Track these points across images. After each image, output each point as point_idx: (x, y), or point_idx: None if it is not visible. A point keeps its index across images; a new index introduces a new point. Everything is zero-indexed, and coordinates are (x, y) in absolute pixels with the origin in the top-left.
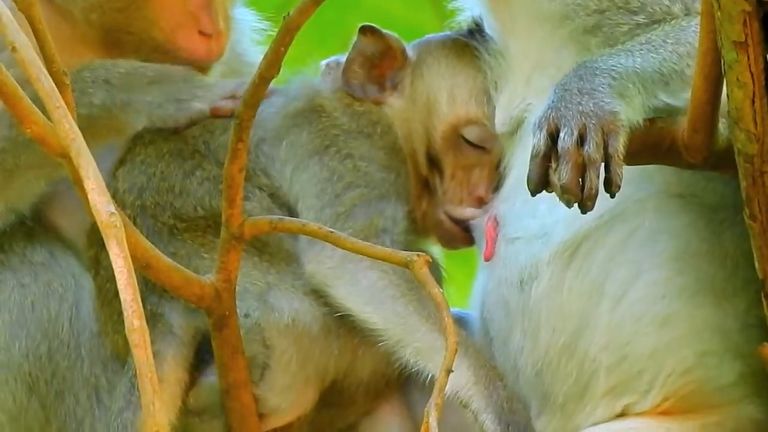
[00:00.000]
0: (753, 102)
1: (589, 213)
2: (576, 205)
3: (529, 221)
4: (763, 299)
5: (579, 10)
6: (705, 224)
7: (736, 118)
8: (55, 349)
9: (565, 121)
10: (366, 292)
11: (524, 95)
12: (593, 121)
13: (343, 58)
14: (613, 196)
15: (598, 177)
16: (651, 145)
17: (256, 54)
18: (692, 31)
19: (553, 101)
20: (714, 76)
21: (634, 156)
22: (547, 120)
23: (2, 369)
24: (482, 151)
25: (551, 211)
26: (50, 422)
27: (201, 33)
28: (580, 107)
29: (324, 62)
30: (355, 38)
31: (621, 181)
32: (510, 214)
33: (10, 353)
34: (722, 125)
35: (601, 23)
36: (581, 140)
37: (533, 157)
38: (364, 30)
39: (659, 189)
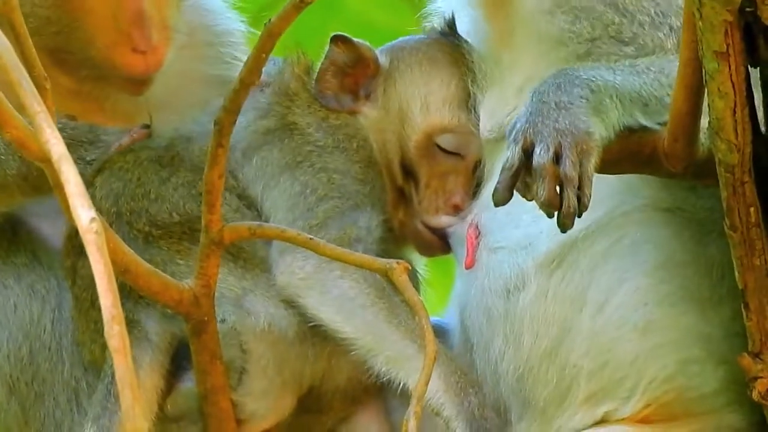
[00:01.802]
0: (734, 112)
1: (575, 223)
2: (555, 223)
3: (513, 231)
4: (743, 309)
5: (573, 37)
6: (691, 235)
7: (717, 128)
8: (37, 351)
9: (541, 137)
10: (336, 301)
11: (515, 104)
12: (569, 140)
13: None
14: (580, 215)
15: (576, 195)
16: (631, 153)
17: (230, 20)
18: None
19: (529, 113)
20: (695, 86)
21: (614, 165)
22: (524, 134)
23: None
24: (457, 158)
25: (535, 221)
26: (29, 424)
27: (135, 50)
28: (557, 124)
29: None
30: (326, 48)
31: (589, 202)
32: (492, 223)
33: None
34: (703, 135)
35: (591, 51)
36: (556, 158)
37: (505, 169)
38: (336, 39)
39: (646, 202)
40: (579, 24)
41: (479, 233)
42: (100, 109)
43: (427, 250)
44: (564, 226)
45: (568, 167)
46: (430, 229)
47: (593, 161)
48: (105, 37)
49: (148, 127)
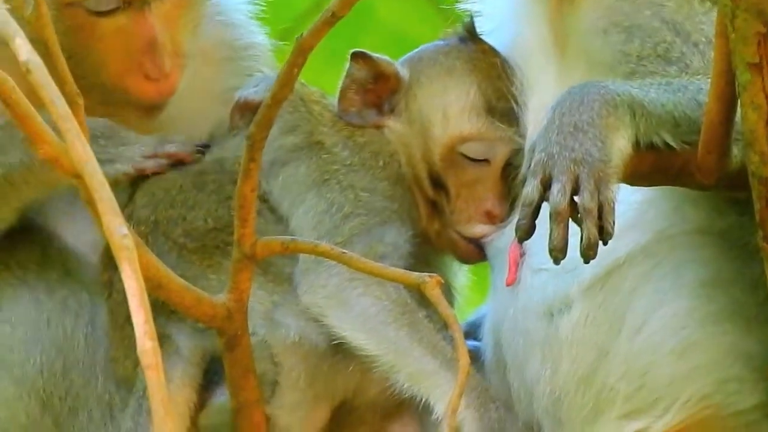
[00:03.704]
0: (767, 124)
1: (620, 248)
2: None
3: None
4: None
5: (622, 57)
6: (738, 255)
7: (749, 140)
8: (70, 366)
9: (557, 171)
10: (358, 318)
11: None
12: (585, 170)
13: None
14: (605, 243)
15: (596, 225)
16: (663, 166)
17: (253, 34)
18: None
19: (548, 139)
20: (728, 98)
21: (645, 177)
22: (542, 167)
23: (16, 385)
24: (484, 164)
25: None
26: None
27: (147, 77)
28: (573, 153)
29: None
30: (346, 65)
31: (613, 229)
32: (537, 244)
33: (25, 369)
34: (735, 147)
35: (636, 70)
36: (574, 191)
37: (525, 204)
38: (355, 56)
39: (695, 226)
40: (630, 44)
41: (523, 252)
42: None
43: (464, 258)
44: (586, 257)
45: (586, 199)
46: (465, 238)
47: (612, 187)
48: (116, 64)
49: (203, 149)
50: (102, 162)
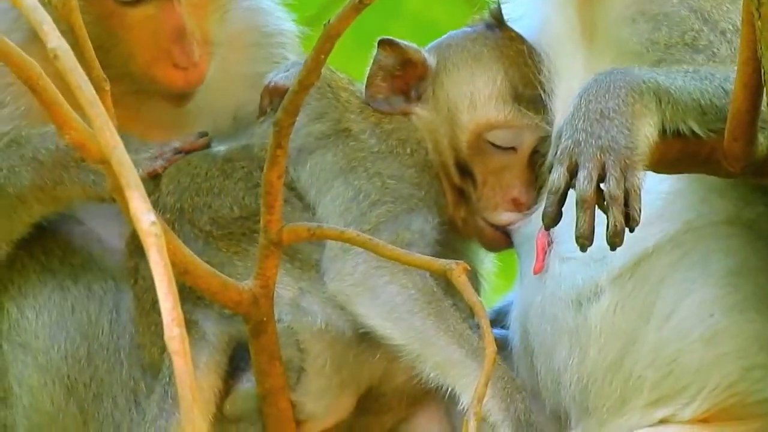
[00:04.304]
0: None
1: (648, 238)
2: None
3: None
4: None
5: (650, 47)
6: (764, 245)
7: None
8: (95, 352)
9: (584, 158)
10: (385, 307)
11: None
12: (612, 158)
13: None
14: (632, 230)
15: (622, 212)
16: (689, 153)
17: (281, 20)
18: None
19: (574, 126)
20: (754, 85)
21: (672, 165)
22: (568, 155)
23: (41, 371)
24: (510, 152)
25: None
26: (88, 425)
27: (176, 66)
28: (600, 140)
29: None
30: (374, 52)
31: (640, 216)
32: (565, 232)
33: (49, 355)
34: (761, 135)
35: (664, 58)
36: (600, 178)
37: (552, 192)
38: (382, 43)
39: (719, 218)
40: (658, 32)
41: (551, 240)
42: (139, 118)
43: (491, 245)
44: (613, 244)
45: (612, 186)
46: (492, 226)
47: (638, 174)
48: (145, 53)
49: (205, 135)
50: None
